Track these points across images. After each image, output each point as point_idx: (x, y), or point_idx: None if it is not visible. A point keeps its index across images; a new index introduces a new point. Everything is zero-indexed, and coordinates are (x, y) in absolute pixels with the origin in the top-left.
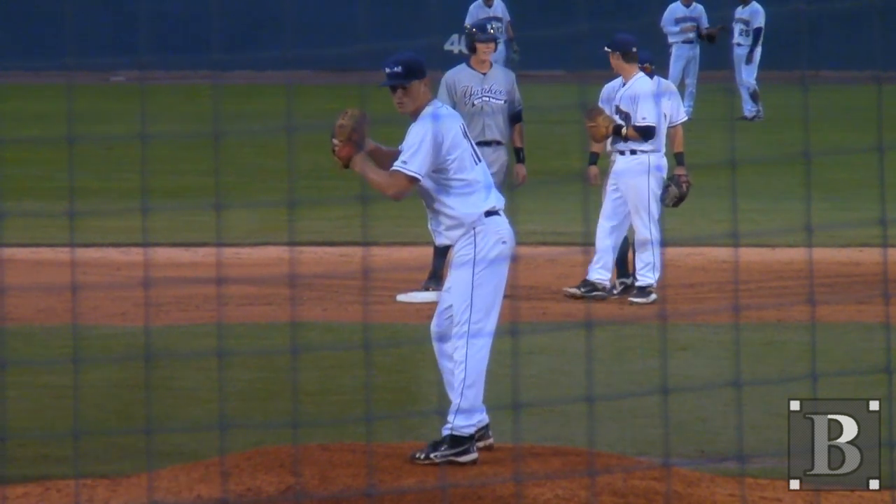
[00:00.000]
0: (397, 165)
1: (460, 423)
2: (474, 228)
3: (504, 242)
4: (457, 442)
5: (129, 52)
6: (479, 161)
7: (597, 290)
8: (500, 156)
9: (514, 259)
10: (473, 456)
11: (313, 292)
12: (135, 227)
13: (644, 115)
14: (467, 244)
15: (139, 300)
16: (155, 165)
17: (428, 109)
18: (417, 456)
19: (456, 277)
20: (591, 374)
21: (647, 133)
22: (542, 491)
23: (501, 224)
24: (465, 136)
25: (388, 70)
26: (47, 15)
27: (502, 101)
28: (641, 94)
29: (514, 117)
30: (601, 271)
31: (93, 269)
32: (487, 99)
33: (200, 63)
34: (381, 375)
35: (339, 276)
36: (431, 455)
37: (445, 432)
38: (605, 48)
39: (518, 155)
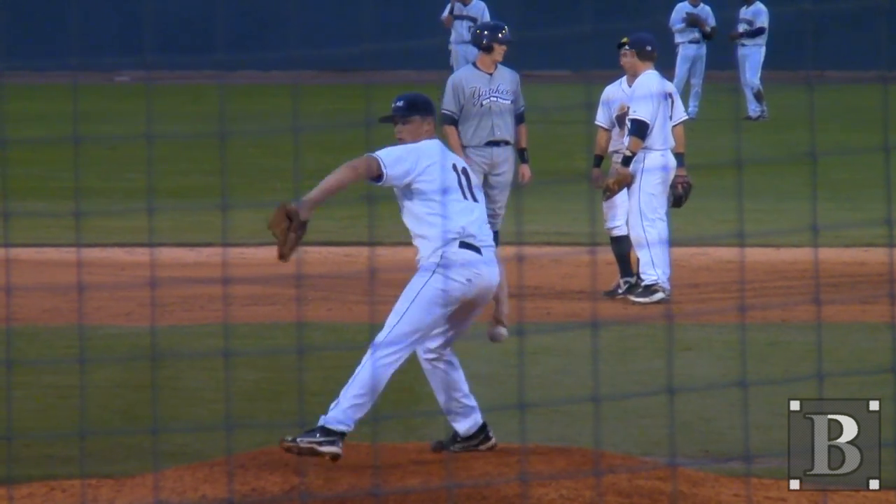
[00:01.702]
0: (368, 154)
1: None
2: (439, 261)
3: (468, 280)
4: (327, 433)
5: (133, 53)
6: (473, 200)
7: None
8: (510, 155)
9: (483, 299)
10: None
11: (318, 292)
12: (139, 227)
13: (635, 110)
14: (425, 273)
15: (144, 300)
16: (159, 165)
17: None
18: (287, 440)
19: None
20: (598, 374)
21: (639, 129)
22: (546, 491)
23: (470, 263)
24: (459, 172)
25: (392, 104)
26: (52, 15)
27: (509, 101)
28: (639, 91)
29: (517, 118)
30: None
31: (97, 269)
32: (495, 99)
33: (205, 63)
34: None
35: (344, 275)
36: (299, 440)
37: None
38: (627, 47)
39: (522, 155)
